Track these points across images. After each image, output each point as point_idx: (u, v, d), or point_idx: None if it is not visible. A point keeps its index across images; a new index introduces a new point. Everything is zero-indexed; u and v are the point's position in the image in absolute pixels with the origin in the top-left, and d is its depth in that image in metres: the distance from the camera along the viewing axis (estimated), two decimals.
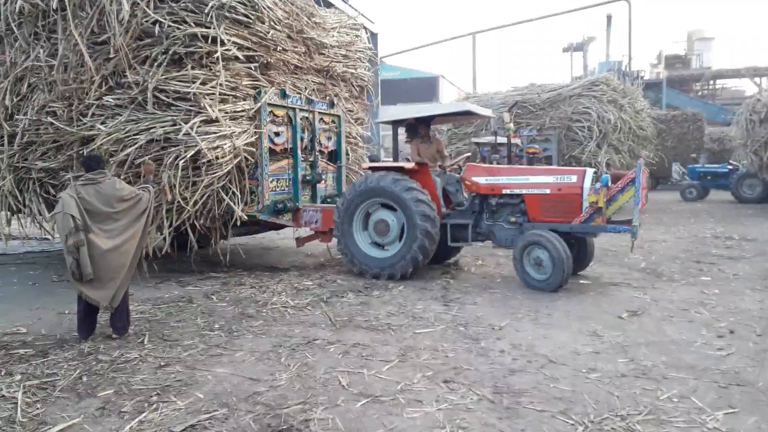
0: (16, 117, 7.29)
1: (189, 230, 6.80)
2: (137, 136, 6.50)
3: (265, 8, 6.97)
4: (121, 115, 6.63)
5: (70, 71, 6.86)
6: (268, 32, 7.10)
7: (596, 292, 6.20)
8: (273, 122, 7.53)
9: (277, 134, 7.64)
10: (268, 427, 3.16)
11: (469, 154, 7.96)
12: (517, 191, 6.78)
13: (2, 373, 3.95)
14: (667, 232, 10.99)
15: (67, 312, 5.51)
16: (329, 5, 21.30)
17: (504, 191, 6.85)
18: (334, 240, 7.59)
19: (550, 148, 14.56)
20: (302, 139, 8.12)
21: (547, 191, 6.59)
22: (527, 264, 6.39)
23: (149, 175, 5.08)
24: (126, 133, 6.52)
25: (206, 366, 4.08)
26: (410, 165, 7.22)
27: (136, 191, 4.73)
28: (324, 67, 8.56)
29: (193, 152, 6.36)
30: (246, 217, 7.10)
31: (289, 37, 7.60)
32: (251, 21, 6.88)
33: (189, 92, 6.45)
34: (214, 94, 6.55)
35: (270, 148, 7.51)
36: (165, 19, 6.46)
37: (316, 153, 8.44)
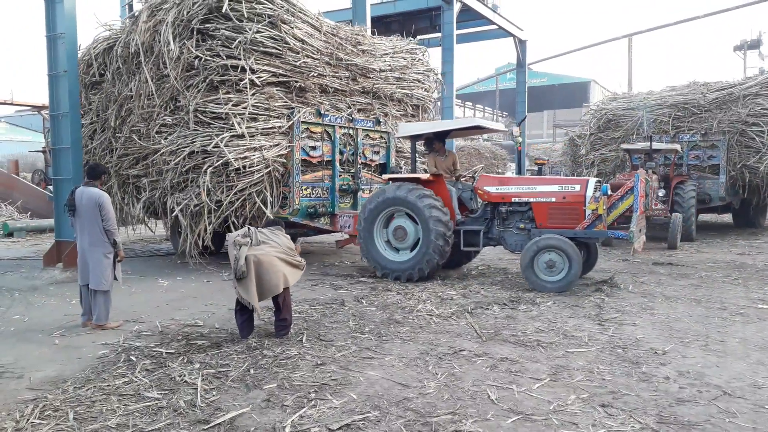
0: (118, 135, 9.23)
1: (232, 228, 7.67)
2: (184, 149, 7.98)
3: (294, 41, 8.03)
4: (175, 133, 8.19)
5: (143, 98, 8.62)
6: (299, 61, 8.12)
7: None
8: (310, 137, 8.61)
9: (313, 148, 8.70)
10: None
11: (482, 165, 8.33)
12: (525, 199, 7.30)
13: (185, 361, 4.46)
14: None
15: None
16: (480, 16, 21.49)
17: (513, 199, 7.39)
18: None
19: (718, 156, 12.98)
20: (342, 152, 9.20)
21: (553, 199, 7.11)
22: (537, 267, 6.80)
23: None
24: (177, 146, 8.06)
25: (358, 367, 4.26)
26: (426, 176, 7.69)
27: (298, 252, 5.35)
28: (370, 89, 9.54)
29: (223, 161, 7.61)
30: (272, 218, 7.75)
31: (328, 63, 8.68)
32: (281, 52, 7.95)
33: (222, 112, 7.75)
34: (244, 113, 7.72)
35: (306, 160, 8.59)
36: (204, 54, 7.86)
37: (359, 165, 9.47)
